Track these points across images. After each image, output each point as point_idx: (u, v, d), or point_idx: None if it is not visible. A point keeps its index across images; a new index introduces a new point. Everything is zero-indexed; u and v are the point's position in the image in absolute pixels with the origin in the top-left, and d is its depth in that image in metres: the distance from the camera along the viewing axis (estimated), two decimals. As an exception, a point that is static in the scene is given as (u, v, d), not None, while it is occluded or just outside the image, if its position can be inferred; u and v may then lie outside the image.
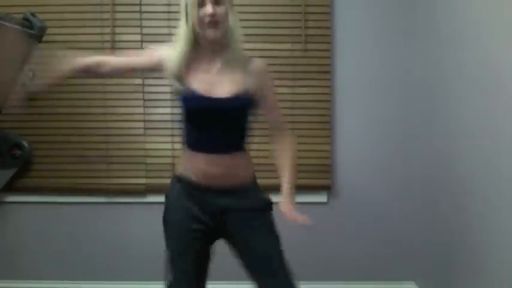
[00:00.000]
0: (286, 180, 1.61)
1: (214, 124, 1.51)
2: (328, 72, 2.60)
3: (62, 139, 2.63)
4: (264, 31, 2.58)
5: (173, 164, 2.62)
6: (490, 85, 1.75)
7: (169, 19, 2.61)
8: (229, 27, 1.51)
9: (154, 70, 1.62)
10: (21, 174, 2.61)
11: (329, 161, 2.62)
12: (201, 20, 1.47)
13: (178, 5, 2.56)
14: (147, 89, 2.64)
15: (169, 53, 1.56)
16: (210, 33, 1.48)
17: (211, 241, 1.64)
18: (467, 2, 1.96)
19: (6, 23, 2.15)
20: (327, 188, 2.63)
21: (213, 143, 1.53)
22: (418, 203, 2.59)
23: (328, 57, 2.60)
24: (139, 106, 2.64)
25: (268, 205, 1.63)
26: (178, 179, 1.61)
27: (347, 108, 2.62)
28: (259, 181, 1.68)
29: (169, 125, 2.63)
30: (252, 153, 1.68)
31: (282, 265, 1.58)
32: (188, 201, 1.57)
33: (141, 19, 2.62)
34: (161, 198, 2.65)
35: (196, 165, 1.54)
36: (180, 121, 1.61)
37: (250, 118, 1.60)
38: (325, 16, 2.59)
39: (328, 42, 2.60)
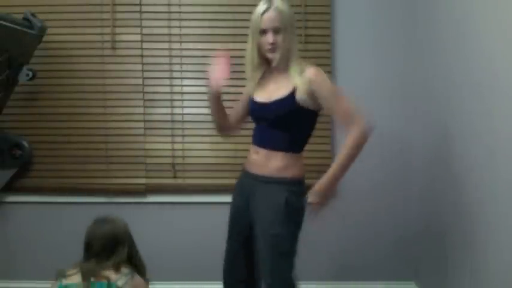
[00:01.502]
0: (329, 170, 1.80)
1: (261, 123, 1.86)
2: (328, 72, 2.58)
3: (62, 139, 2.63)
4: (264, 31, 2.58)
5: (173, 164, 2.62)
6: (490, 85, 1.75)
7: (169, 19, 2.62)
8: (285, 50, 1.78)
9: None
10: (21, 174, 2.61)
11: (329, 161, 2.60)
12: (263, 45, 1.78)
13: (178, 5, 2.64)
14: (147, 89, 2.64)
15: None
16: (270, 56, 1.80)
17: (247, 224, 1.86)
18: (467, 2, 1.96)
19: (7, 23, 2.15)
20: (327, 188, 2.63)
21: (258, 136, 1.86)
22: (418, 203, 2.59)
23: (328, 57, 2.60)
24: (140, 106, 2.64)
25: (285, 203, 1.76)
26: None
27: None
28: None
29: (169, 125, 2.64)
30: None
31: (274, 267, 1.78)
32: (238, 187, 1.94)
33: (141, 19, 2.62)
34: (161, 198, 2.71)
35: (249, 154, 1.90)
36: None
37: (305, 122, 1.86)
38: (325, 16, 2.59)
39: (328, 42, 2.60)
